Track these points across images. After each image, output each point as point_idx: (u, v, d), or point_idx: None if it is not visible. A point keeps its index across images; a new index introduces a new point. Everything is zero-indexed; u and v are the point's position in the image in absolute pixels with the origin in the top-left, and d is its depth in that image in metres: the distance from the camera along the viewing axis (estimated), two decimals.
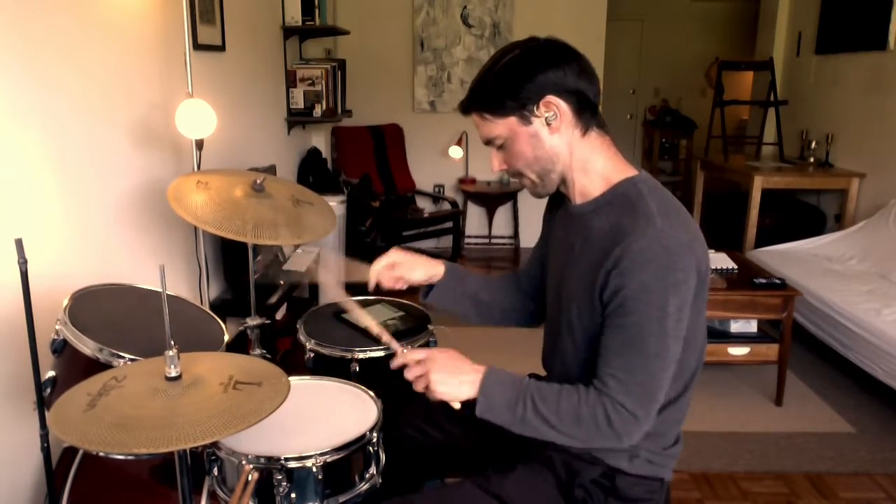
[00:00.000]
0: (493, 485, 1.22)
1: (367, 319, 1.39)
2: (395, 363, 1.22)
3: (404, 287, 1.47)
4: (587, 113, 1.17)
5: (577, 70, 1.14)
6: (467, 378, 1.16)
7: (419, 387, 1.18)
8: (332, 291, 1.48)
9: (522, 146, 1.17)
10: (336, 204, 3.70)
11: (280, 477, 1.18)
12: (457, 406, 1.18)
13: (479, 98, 1.18)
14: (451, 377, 1.16)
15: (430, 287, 1.47)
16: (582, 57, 1.16)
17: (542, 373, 1.42)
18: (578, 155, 1.18)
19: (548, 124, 1.15)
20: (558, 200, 1.34)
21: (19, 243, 1.33)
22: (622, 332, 1.09)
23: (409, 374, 1.19)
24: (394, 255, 1.45)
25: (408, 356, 1.21)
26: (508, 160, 1.21)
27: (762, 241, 4.14)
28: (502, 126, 1.16)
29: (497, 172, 1.25)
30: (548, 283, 1.34)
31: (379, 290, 1.49)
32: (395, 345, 1.29)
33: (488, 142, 1.21)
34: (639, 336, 1.08)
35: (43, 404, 1.42)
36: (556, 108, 1.13)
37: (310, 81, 3.89)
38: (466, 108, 1.20)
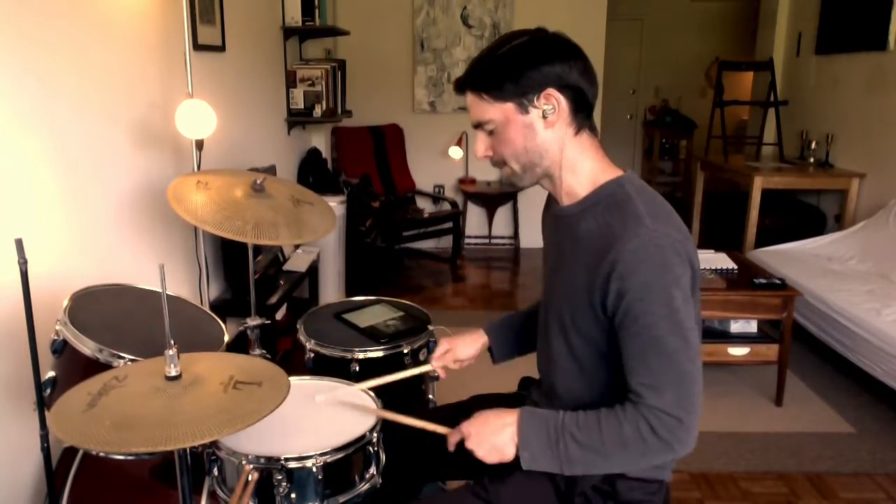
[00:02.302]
0: (490, 493, 1.22)
1: (407, 419, 1.32)
2: (451, 446, 1.23)
3: (467, 365, 1.53)
4: (583, 113, 1.16)
5: (581, 68, 1.13)
6: (506, 437, 1.15)
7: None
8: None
9: (514, 135, 1.15)
10: (336, 204, 3.70)
11: (280, 477, 1.18)
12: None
13: (478, 77, 1.15)
14: (491, 446, 1.16)
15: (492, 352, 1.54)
16: (586, 57, 1.16)
17: (538, 375, 1.42)
18: (568, 153, 1.17)
19: (544, 117, 1.13)
20: (550, 202, 1.33)
21: (19, 243, 1.33)
22: (638, 339, 1.07)
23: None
24: (444, 345, 1.51)
25: (453, 439, 1.22)
26: (496, 146, 1.18)
27: (762, 241, 4.14)
28: (498, 110, 1.14)
29: (480, 158, 1.22)
30: (543, 285, 1.34)
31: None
32: (440, 429, 1.28)
33: (478, 125, 1.18)
34: (655, 337, 1.06)
35: (43, 404, 1.42)
36: (555, 102, 1.12)
37: (310, 82, 3.89)
38: (463, 84, 1.18)
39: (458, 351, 1.50)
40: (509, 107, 1.14)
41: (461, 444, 1.21)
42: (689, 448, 1.09)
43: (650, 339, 1.06)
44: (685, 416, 1.07)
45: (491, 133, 1.18)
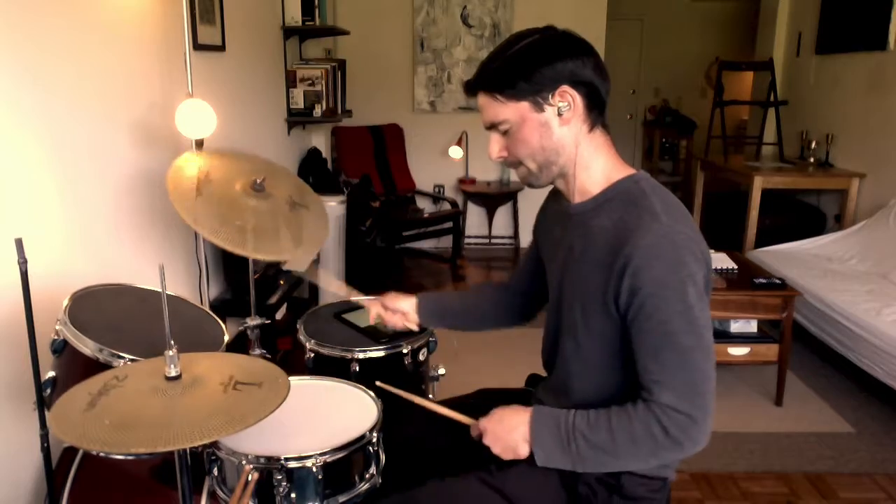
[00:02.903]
0: (495, 479, 1.22)
1: (428, 402, 1.37)
2: (475, 436, 1.26)
3: (403, 321, 1.55)
4: (596, 109, 1.15)
5: (593, 64, 1.12)
6: (519, 436, 1.17)
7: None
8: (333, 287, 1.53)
9: (530, 134, 1.14)
10: (336, 204, 3.70)
11: (280, 477, 1.18)
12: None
13: (491, 77, 1.14)
14: (506, 444, 1.18)
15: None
16: (598, 53, 1.15)
17: (543, 373, 1.41)
18: (583, 151, 1.16)
19: (559, 115, 1.12)
20: (553, 200, 1.33)
21: (19, 243, 1.32)
22: (651, 335, 1.07)
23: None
24: (381, 300, 1.56)
25: (474, 432, 1.25)
26: (511, 147, 1.17)
27: (762, 241, 4.14)
28: (512, 110, 1.13)
29: (495, 160, 1.21)
30: (549, 285, 1.33)
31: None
32: (462, 419, 1.30)
33: (492, 126, 1.17)
34: (668, 333, 1.05)
35: (43, 404, 1.42)
36: (570, 99, 1.11)
37: (310, 81, 3.89)
38: (474, 86, 1.16)
39: (392, 303, 1.53)
40: (524, 106, 1.12)
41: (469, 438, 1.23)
42: (701, 447, 1.08)
43: (664, 336, 1.06)
44: (698, 413, 1.06)
45: (505, 133, 1.16)
